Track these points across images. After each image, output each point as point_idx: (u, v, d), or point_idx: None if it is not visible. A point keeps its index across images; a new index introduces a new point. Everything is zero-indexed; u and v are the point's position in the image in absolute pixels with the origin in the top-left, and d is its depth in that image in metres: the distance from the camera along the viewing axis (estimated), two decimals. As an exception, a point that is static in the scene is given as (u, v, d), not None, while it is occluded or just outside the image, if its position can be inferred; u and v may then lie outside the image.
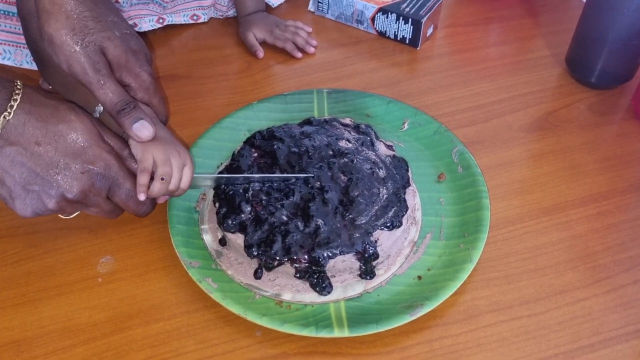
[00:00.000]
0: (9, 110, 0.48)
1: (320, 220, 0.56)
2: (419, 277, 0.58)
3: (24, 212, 0.51)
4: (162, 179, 0.55)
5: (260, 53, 0.85)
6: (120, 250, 0.62)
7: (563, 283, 0.58)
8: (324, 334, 0.53)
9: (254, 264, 0.58)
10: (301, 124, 0.67)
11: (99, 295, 0.58)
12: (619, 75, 0.78)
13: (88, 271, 0.60)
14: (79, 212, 0.56)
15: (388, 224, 0.57)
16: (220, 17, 0.92)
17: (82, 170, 0.51)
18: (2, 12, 0.71)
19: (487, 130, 0.74)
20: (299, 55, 0.85)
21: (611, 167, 0.69)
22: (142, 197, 0.55)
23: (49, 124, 0.50)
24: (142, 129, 0.54)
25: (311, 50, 0.85)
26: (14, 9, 0.71)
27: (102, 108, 0.58)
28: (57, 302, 0.58)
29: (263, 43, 0.86)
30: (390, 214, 0.58)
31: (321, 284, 0.56)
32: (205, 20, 0.90)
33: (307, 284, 0.57)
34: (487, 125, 0.75)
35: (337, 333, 0.53)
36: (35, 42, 0.61)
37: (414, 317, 0.53)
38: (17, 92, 0.49)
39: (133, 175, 0.55)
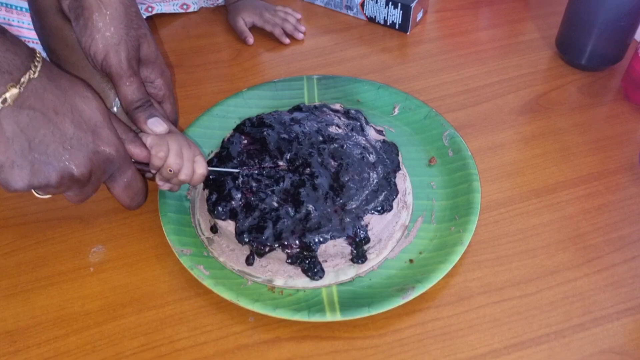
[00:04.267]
0: (33, 69, 0.45)
1: (311, 206, 0.56)
2: (411, 261, 0.58)
3: (17, 183, 0.46)
4: (170, 170, 0.55)
5: (250, 39, 0.84)
6: (112, 240, 0.62)
7: (554, 264, 0.59)
8: (316, 318, 0.53)
9: (246, 250, 0.58)
10: (291, 111, 0.67)
11: (91, 285, 0.58)
12: (609, 56, 0.78)
13: (80, 261, 0.60)
14: (51, 196, 0.52)
15: (379, 208, 0.57)
16: (211, 6, 0.92)
17: (94, 150, 0.49)
18: None
19: (478, 114, 0.74)
20: (287, 41, 0.85)
21: (601, 148, 0.69)
22: (158, 182, 0.57)
23: (67, 95, 0.48)
24: (157, 124, 0.55)
25: (300, 36, 0.85)
26: None
27: (117, 107, 0.59)
28: (49, 292, 0.58)
29: (252, 29, 0.86)
30: (381, 198, 0.58)
31: (313, 269, 0.56)
32: (195, 9, 0.90)
33: (299, 270, 0.57)
34: (478, 109, 0.75)
35: (329, 317, 0.53)
36: (51, 36, 0.60)
37: (405, 300, 0.54)
38: (38, 57, 0.47)
39: (133, 164, 0.55)
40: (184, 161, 0.56)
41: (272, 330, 0.54)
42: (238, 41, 0.86)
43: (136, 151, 0.54)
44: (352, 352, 0.53)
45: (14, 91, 0.44)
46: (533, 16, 0.89)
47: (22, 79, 0.44)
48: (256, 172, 0.59)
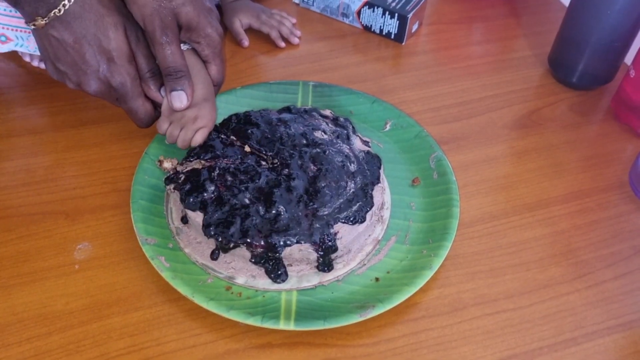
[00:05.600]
0: (61, 7, 0.55)
1: (282, 207, 0.55)
2: (377, 279, 0.57)
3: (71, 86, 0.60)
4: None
5: (245, 42, 0.83)
6: (99, 237, 0.60)
7: (547, 278, 0.59)
8: (268, 325, 0.52)
9: (212, 244, 0.57)
10: (280, 111, 0.66)
11: (75, 283, 0.56)
12: (600, 77, 0.79)
13: (64, 257, 0.58)
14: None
15: (351, 218, 0.56)
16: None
17: (100, 77, 0.58)
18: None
19: (471, 127, 0.74)
20: (282, 44, 0.84)
21: (592, 165, 0.70)
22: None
23: (89, 29, 0.56)
24: (177, 99, 0.60)
25: (295, 40, 0.85)
26: None
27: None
28: (31, 288, 0.55)
29: (247, 30, 0.85)
30: (354, 208, 0.57)
31: (276, 271, 0.55)
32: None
33: (263, 270, 0.56)
34: (472, 122, 0.75)
35: (282, 325, 0.52)
36: None
37: (363, 318, 0.52)
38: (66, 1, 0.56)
39: (143, 97, 0.61)
40: (180, 133, 0.60)
41: (263, 335, 0.53)
42: (232, 42, 0.85)
43: (147, 89, 0.61)
44: (345, 360, 0.52)
45: (41, 22, 0.56)
46: (525, 34, 0.90)
47: (50, 14, 0.55)
48: (236, 163, 0.58)
